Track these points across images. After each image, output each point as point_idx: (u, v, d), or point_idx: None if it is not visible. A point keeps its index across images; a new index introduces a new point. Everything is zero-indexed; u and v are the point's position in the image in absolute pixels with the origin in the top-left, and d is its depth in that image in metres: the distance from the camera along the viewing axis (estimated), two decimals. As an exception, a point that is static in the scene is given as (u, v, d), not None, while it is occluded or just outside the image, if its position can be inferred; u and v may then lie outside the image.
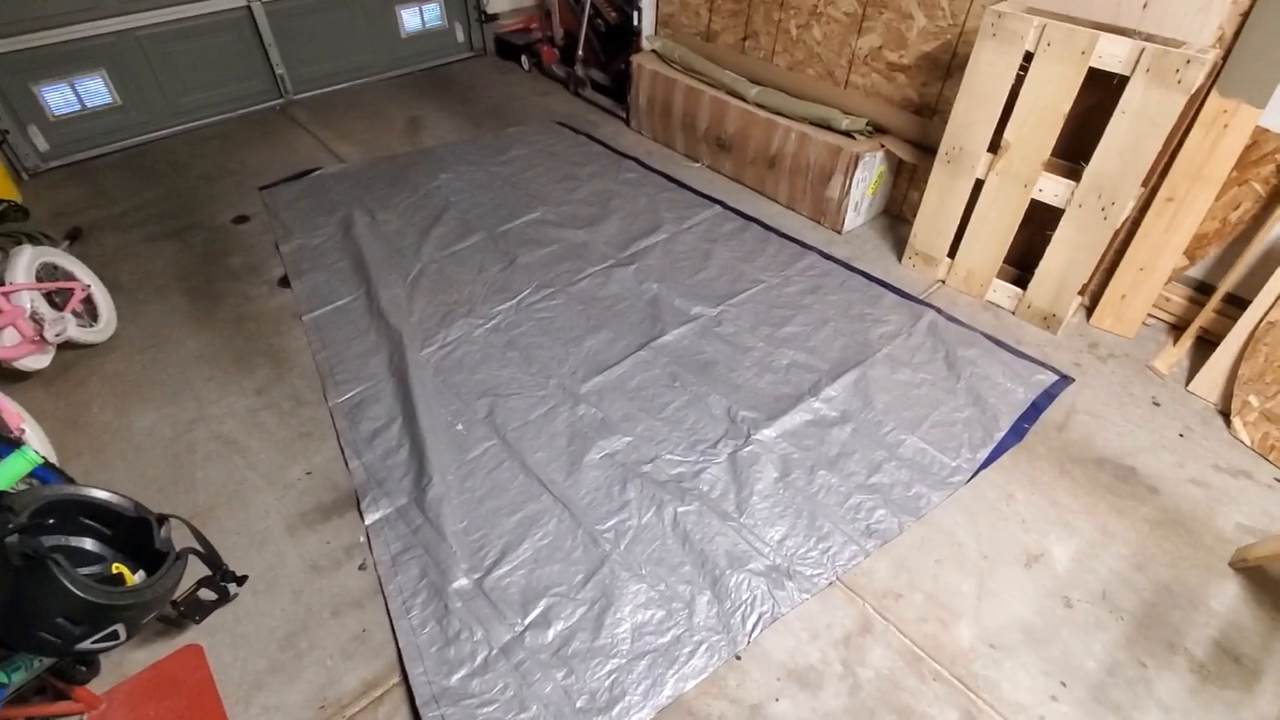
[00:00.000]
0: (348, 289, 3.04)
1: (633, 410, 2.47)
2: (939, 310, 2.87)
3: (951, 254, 3.01)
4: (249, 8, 4.26)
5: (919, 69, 3.09)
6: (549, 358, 2.68)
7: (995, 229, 2.81)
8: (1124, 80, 2.30)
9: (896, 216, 3.51)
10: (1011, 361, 2.65)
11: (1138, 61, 2.25)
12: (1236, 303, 2.58)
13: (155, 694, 1.79)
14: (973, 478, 2.24)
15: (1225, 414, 2.45)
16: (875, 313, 2.88)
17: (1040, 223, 2.72)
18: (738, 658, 1.83)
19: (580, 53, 4.63)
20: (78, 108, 3.92)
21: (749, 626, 1.87)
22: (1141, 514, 2.14)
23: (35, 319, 2.52)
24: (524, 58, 5.11)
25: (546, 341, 2.76)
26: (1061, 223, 2.62)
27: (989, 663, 1.81)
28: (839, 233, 3.38)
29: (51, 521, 1.40)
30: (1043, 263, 2.72)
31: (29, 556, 1.21)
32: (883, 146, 3.20)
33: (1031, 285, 2.80)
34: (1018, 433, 2.37)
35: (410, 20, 4.97)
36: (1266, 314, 2.40)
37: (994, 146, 2.67)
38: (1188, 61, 2.17)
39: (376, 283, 3.02)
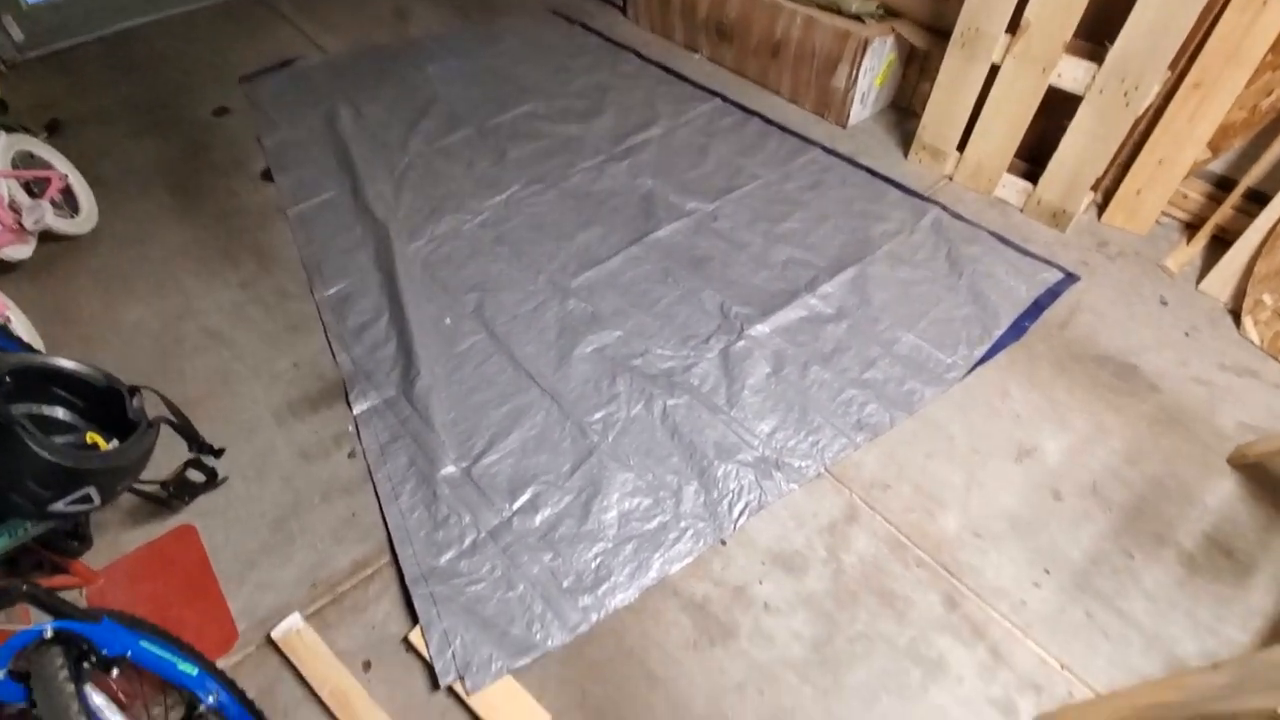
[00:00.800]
0: (332, 183, 2.93)
1: (624, 305, 2.42)
2: (944, 207, 2.76)
3: (961, 147, 2.86)
4: (219, -120, 3.94)
5: (939, -56, 2.85)
6: (539, 253, 2.61)
7: (1009, 118, 2.65)
8: (1161, -53, 2.10)
9: (904, 110, 3.33)
10: (1016, 259, 2.56)
11: (1178, -76, 2.05)
12: (1257, 199, 2.45)
13: (151, 570, 1.82)
14: (968, 374, 2.20)
15: (1235, 313, 2.38)
16: (877, 209, 2.76)
17: (1055, 113, 2.56)
18: (723, 543, 1.84)
19: (577, -65, 4.30)
20: (50, -7, 3.71)
21: (735, 514, 1.88)
22: (1140, 411, 2.10)
23: (13, 208, 2.45)
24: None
25: (537, 237, 2.67)
26: (1079, 110, 2.47)
27: (973, 551, 1.82)
28: (843, 127, 3.22)
29: (23, 390, 1.38)
30: (1056, 155, 2.58)
31: (-4, 421, 1.20)
32: (894, 31, 3.00)
33: (1043, 180, 2.67)
34: (1018, 330, 2.31)
35: (395, -102, 4.60)
36: (1289, 209, 2.29)
37: (1013, 27, 2.49)
38: (1233, -78, 1.97)
39: (362, 177, 2.91)
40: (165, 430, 1.69)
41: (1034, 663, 1.63)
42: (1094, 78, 2.39)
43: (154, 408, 1.67)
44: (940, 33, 2.92)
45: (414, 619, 1.71)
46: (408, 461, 2.01)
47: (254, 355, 2.33)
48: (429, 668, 1.64)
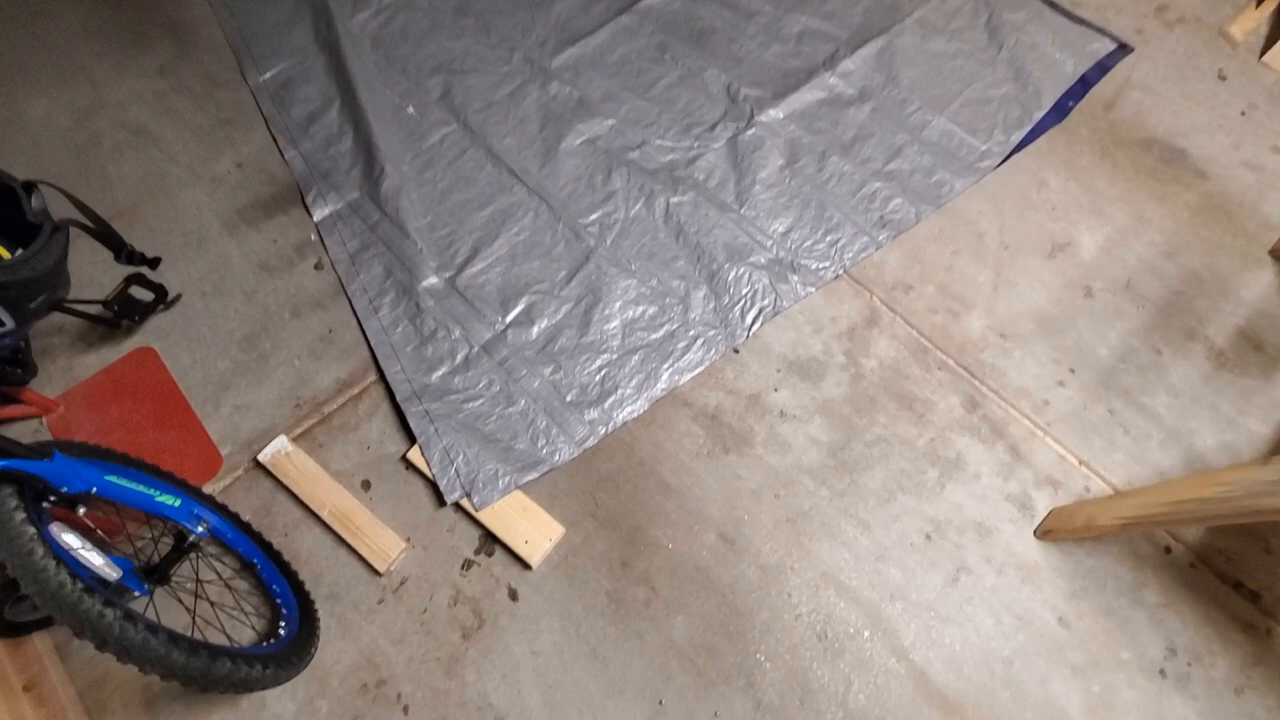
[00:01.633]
0: (249, -63, 2.38)
1: (615, 89, 2.08)
2: (987, -36, 2.34)
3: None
4: None
5: None
6: (511, 26, 2.20)
7: None
8: None
9: None
10: (1064, 27, 2.22)
11: None
12: (1351, -53, 2.11)
13: (114, 395, 1.67)
14: (1003, 163, 1.97)
15: (1297, 90, 2.13)
16: (910, -33, 2.35)
17: None
18: (736, 352, 1.72)
19: None
20: None
21: (748, 321, 1.74)
22: (1183, 200, 1.93)
23: None
24: None
25: (506, 6, 2.24)
26: None
27: (998, 352, 1.73)
28: None
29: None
30: (1131, -109, 2.15)
31: None
32: None
33: (1108, -74, 2.25)
34: (1060, 111, 2.06)
35: None
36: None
37: None
38: None
39: (285, -72, 2.37)
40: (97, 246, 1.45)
41: (1053, 460, 1.61)
42: None
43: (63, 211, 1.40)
44: None
45: (411, 438, 1.61)
46: (383, 272, 1.80)
47: (188, 155, 2.00)
48: (432, 485, 1.56)
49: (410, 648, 1.43)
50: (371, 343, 1.71)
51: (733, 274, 1.78)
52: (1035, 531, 1.54)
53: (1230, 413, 1.66)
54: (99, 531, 1.16)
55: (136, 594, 1.21)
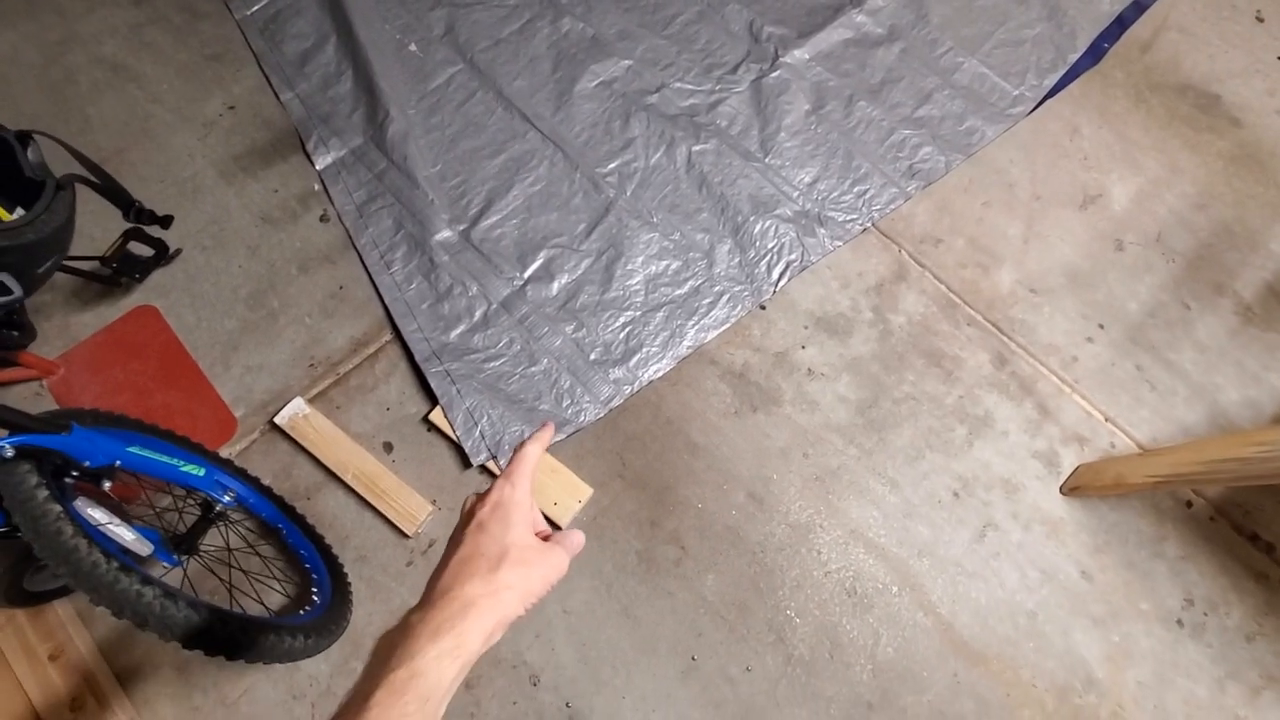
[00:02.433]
0: None
1: (630, 25, 1.96)
2: (1021, -110, 2.21)
3: None
4: None
5: None
6: (518, -47, 2.05)
7: None
8: None
9: None
10: (1101, -38, 2.12)
11: None
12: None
13: (117, 356, 1.60)
14: (1036, 109, 1.90)
15: (1334, 32, 2.06)
16: (940, -108, 2.21)
17: None
18: (762, 308, 1.68)
19: None
20: None
21: (775, 276, 1.69)
22: (1217, 149, 1.88)
23: None
24: None
25: (512, -69, 2.08)
26: None
27: (1027, 307, 1.70)
28: None
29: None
30: None
31: None
32: None
33: None
34: (1095, 54, 1.98)
35: None
36: None
37: None
38: None
39: None
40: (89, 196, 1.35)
41: (1079, 416, 1.61)
42: None
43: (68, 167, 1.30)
44: None
45: (432, 399, 1.56)
46: (393, 225, 1.72)
47: (174, 95, 1.87)
48: (456, 447, 1.53)
49: (442, 609, 1.43)
50: (385, 300, 1.65)
51: (758, 227, 1.72)
52: (1061, 488, 1.55)
53: (1255, 368, 1.66)
54: (118, 498, 1.11)
55: (167, 566, 1.18)
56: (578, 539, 0.59)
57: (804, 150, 1.82)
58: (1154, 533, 1.52)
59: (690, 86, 1.89)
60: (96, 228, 1.62)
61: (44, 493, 0.95)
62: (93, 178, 1.19)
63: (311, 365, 1.61)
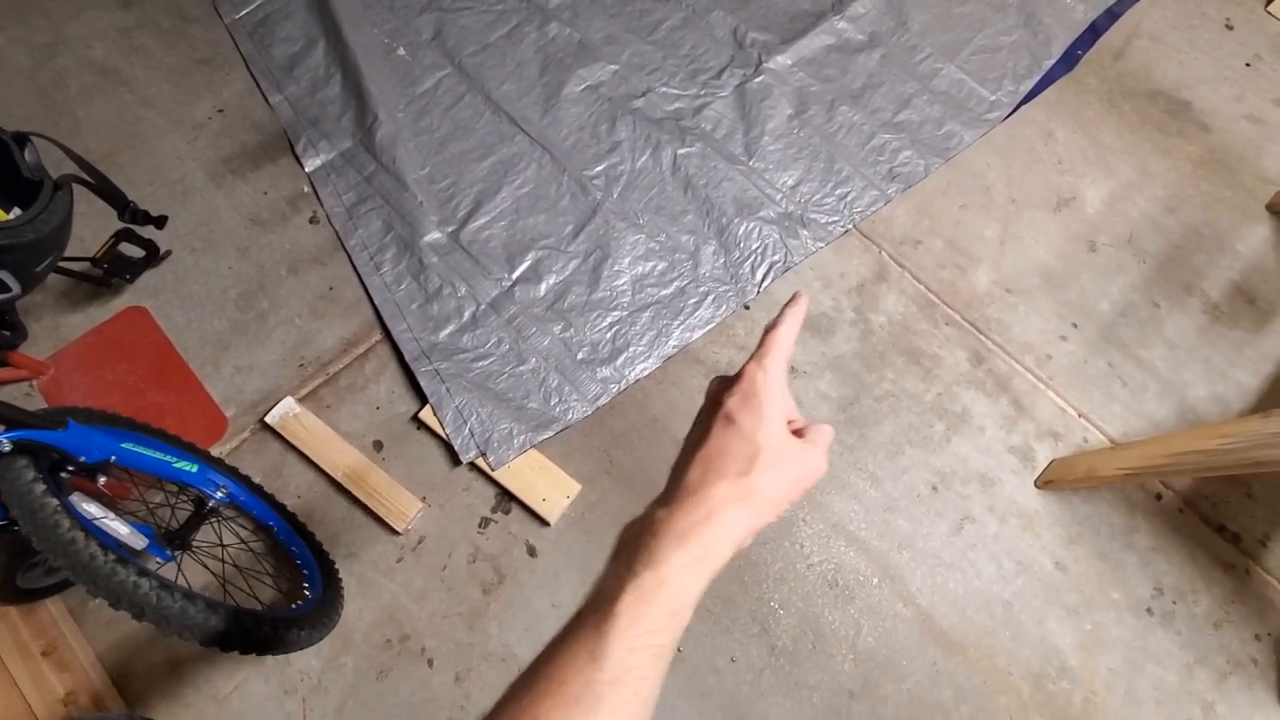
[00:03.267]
0: None
1: (616, 31, 2.00)
2: (998, -99, 2.27)
3: None
4: None
5: None
6: (505, -41, 2.08)
7: None
8: None
9: None
10: (1075, -29, 2.18)
11: None
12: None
13: (107, 357, 1.61)
14: (1012, 114, 1.96)
15: (1299, 40, 2.13)
16: (919, -98, 2.26)
17: None
18: (746, 308, 1.72)
19: None
20: None
21: (759, 277, 1.73)
22: (1186, 153, 1.94)
23: None
24: None
25: (499, -63, 2.11)
26: None
27: (1003, 307, 1.75)
28: None
29: None
30: None
31: None
32: None
33: None
34: (1069, 61, 2.03)
35: None
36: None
37: None
38: None
39: None
40: (81, 195, 1.37)
41: (1054, 412, 1.65)
42: None
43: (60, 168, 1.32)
44: None
45: (421, 398, 1.59)
46: (383, 226, 1.74)
47: (164, 98, 1.89)
48: (446, 445, 1.56)
49: (432, 604, 1.45)
50: (375, 300, 1.67)
51: (742, 228, 1.76)
52: (1036, 482, 1.60)
53: (1222, 365, 1.71)
54: (109, 495, 1.13)
55: (160, 561, 1.20)
56: (828, 433, 0.53)
57: (787, 154, 1.86)
58: (1125, 524, 1.57)
59: (676, 91, 1.92)
60: (87, 229, 1.63)
61: (41, 487, 0.97)
62: (89, 178, 1.20)
63: (302, 365, 1.63)
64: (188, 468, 1.21)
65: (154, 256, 1.63)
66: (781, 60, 1.96)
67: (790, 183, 1.83)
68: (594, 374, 1.62)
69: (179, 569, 1.22)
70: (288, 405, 1.56)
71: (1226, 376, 1.70)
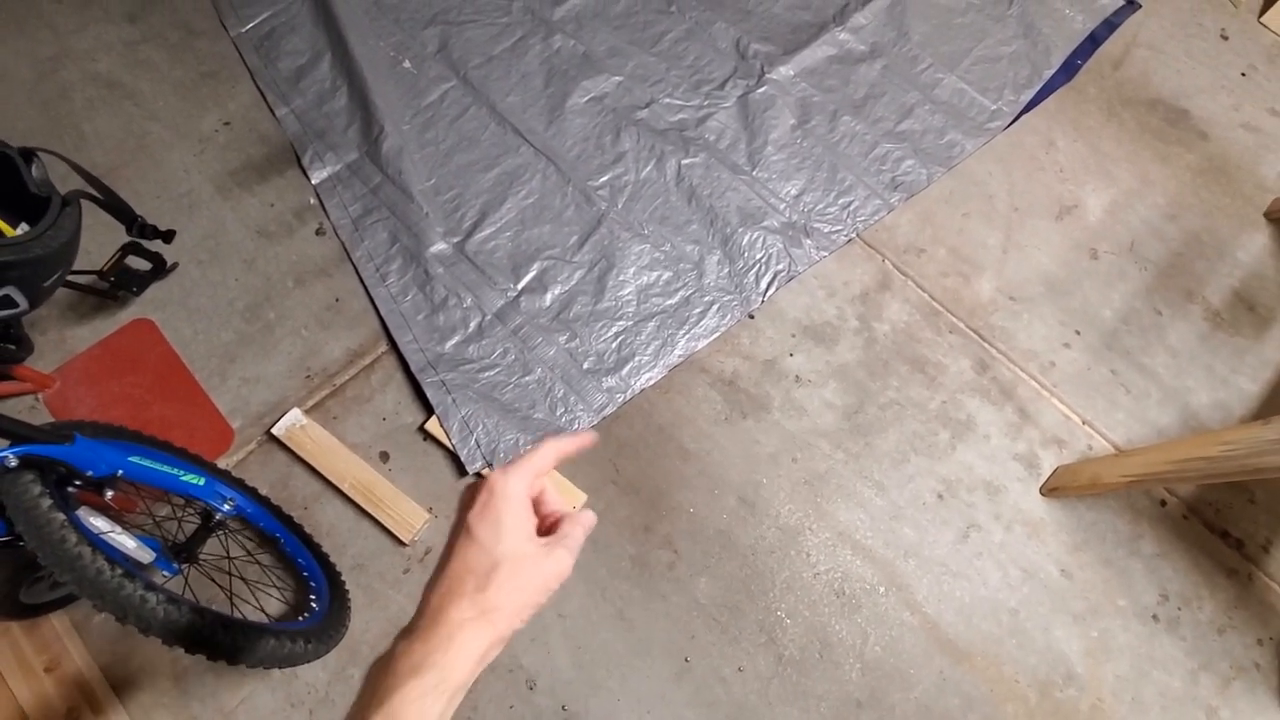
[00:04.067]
0: None
1: (620, 43, 2.01)
2: (995, -87, 2.29)
3: None
4: None
5: None
6: (509, -28, 2.10)
7: None
8: None
9: None
10: (1073, -18, 2.20)
11: None
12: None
13: (113, 369, 1.61)
14: (1013, 123, 1.97)
15: (1295, 49, 2.15)
16: (918, -85, 2.28)
17: None
18: (751, 317, 1.73)
19: None
20: None
21: (763, 286, 1.74)
22: (1185, 161, 1.96)
23: None
24: None
25: (503, -50, 2.13)
26: None
27: (1007, 314, 1.76)
28: None
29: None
30: None
31: None
32: None
33: (1118, -125, 2.21)
34: (1069, 70, 2.05)
35: None
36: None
37: None
38: None
39: None
40: (88, 209, 1.37)
41: (1058, 420, 1.66)
42: None
43: (65, 182, 1.32)
44: None
45: (428, 408, 1.59)
46: (389, 238, 1.75)
47: (170, 112, 1.90)
48: (452, 456, 1.56)
49: (439, 616, 1.45)
50: (381, 311, 1.68)
51: (746, 238, 1.77)
52: (1041, 489, 1.60)
53: (1224, 372, 1.72)
54: (116, 509, 1.13)
55: (167, 574, 1.20)
56: (587, 521, 0.54)
57: (790, 163, 1.87)
58: (1130, 531, 1.57)
59: (679, 102, 1.94)
60: (93, 242, 1.63)
61: (47, 501, 0.97)
62: (97, 194, 1.21)
63: (308, 376, 1.63)
64: (195, 480, 1.21)
65: (161, 269, 1.64)
66: (784, 71, 1.97)
67: (794, 192, 1.84)
68: (599, 384, 1.62)
69: (185, 582, 1.21)
70: (294, 417, 1.56)
71: (1228, 383, 1.71)
